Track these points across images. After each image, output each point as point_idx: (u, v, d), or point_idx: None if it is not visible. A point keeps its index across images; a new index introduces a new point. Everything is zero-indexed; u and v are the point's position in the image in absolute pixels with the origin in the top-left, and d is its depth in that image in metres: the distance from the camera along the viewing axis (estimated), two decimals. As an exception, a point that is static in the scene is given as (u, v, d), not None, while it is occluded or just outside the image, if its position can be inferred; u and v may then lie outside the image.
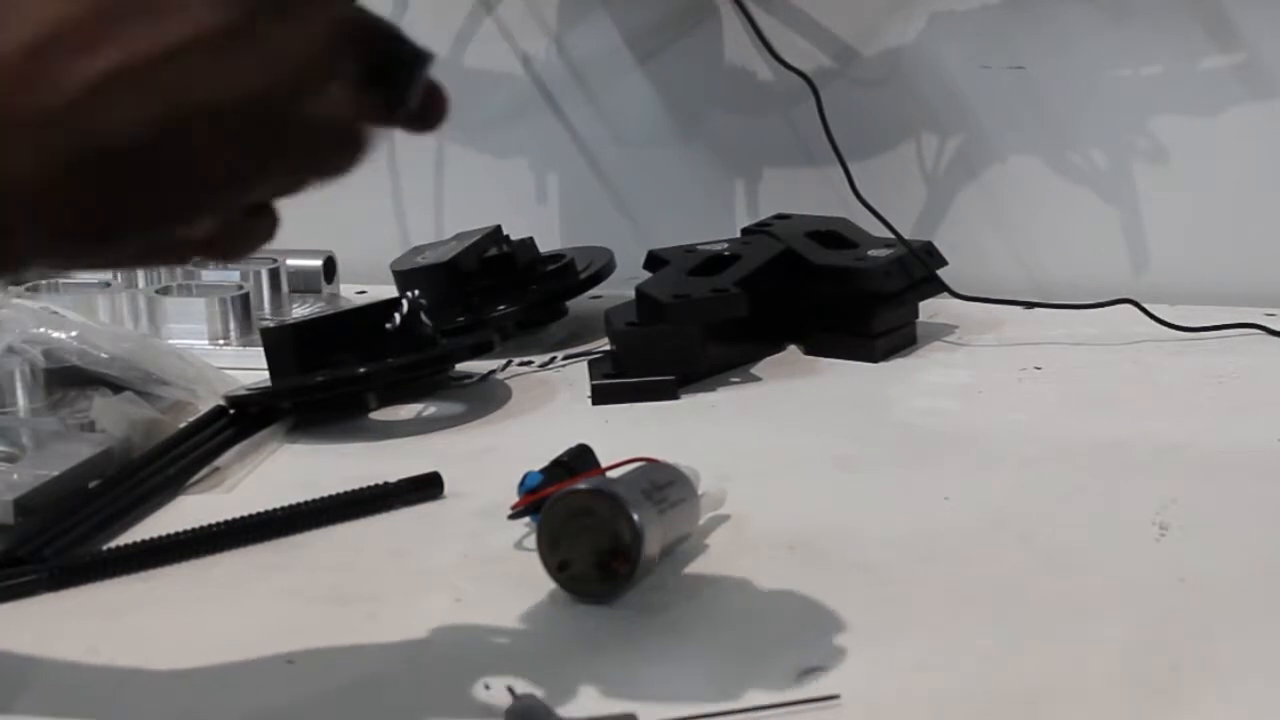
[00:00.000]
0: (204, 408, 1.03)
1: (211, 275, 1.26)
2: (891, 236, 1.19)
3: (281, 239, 1.45)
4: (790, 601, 0.78)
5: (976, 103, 1.33)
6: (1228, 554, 0.81)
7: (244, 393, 1.04)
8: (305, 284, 1.30)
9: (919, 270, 1.17)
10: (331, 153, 0.55)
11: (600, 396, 1.08)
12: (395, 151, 1.41)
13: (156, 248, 0.57)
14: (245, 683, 0.72)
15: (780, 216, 1.27)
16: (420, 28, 0.65)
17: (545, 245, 1.25)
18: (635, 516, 0.75)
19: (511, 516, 0.85)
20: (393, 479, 0.91)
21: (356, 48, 0.55)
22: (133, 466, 0.95)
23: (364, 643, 0.75)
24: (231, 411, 1.02)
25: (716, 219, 1.37)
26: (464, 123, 1.41)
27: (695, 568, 0.81)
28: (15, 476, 0.90)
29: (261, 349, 1.07)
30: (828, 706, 0.66)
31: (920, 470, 0.94)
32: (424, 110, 0.59)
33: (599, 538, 0.76)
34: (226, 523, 0.86)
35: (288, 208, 1.34)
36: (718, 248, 1.19)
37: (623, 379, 1.09)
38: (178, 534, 0.85)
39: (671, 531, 0.80)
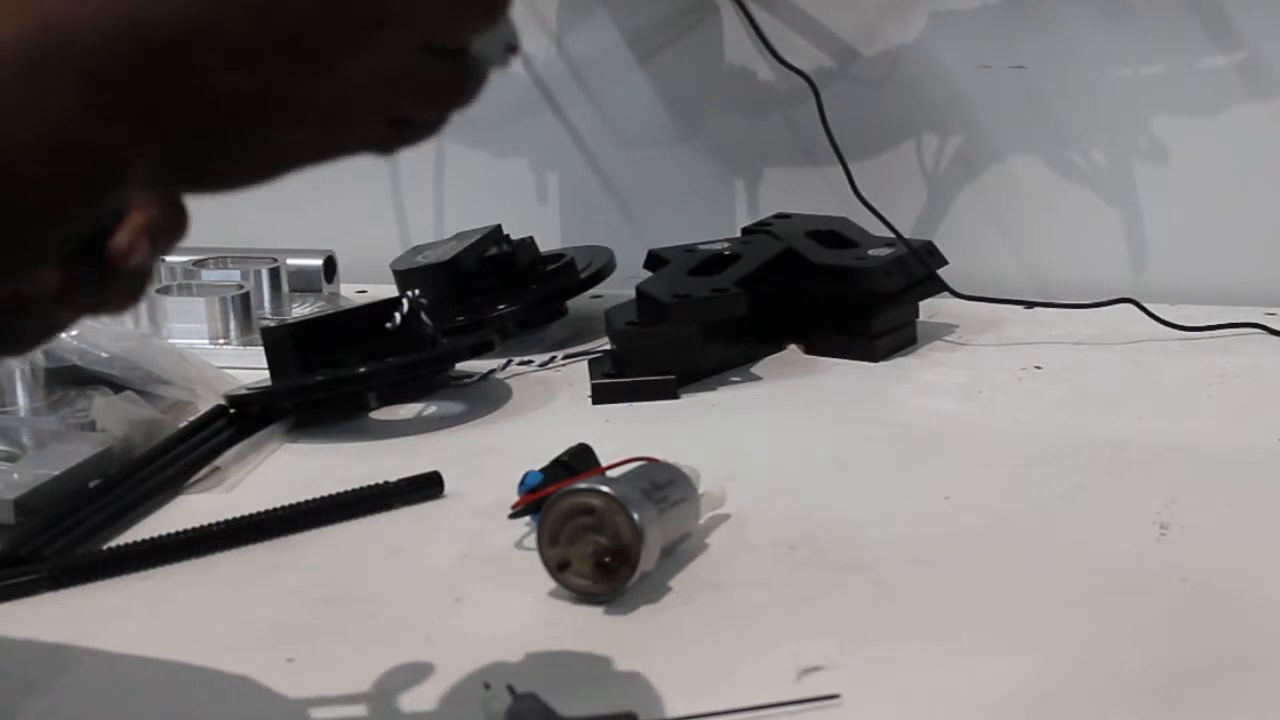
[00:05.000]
0: (204, 407, 1.03)
1: (212, 275, 1.26)
2: (892, 236, 1.19)
3: (282, 239, 1.45)
4: (790, 601, 0.78)
5: (976, 103, 1.33)
6: (1228, 554, 0.81)
7: (244, 392, 1.04)
8: (305, 284, 1.30)
9: (919, 270, 1.17)
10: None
11: (600, 396, 1.08)
12: (395, 151, 1.41)
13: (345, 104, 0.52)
14: (245, 683, 0.72)
15: (780, 216, 1.27)
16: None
17: (545, 245, 1.25)
18: (635, 516, 0.75)
19: (511, 516, 0.85)
20: (393, 479, 0.91)
21: None
22: (133, 466, 0.95)
23: (364, 643, 0.75)
24: (231, 411, 1.02)
25: (716, 219, 1.37)
26: (464, 122, 1.40)
27: (695, 568, 0.81)
28: (15, 476, 0.90)
29: (261, 349, 1.07)
30: (828, 706, 0.66)
31: (920, 470, 0.94)
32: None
33: (599, 537, 0.76)
34: (226, 522, 0.86)
35: (288, 207, 1.34)
36: (718, 247, 1.19)
37: (623, 379, 1.09)
38: (178, 534, 0.85)
39: (671, 531, 0.80)
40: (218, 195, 0.52)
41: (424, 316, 1.09)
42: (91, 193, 0.49)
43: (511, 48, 0.57)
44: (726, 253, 1.17)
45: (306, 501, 0.89)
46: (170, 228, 0.55)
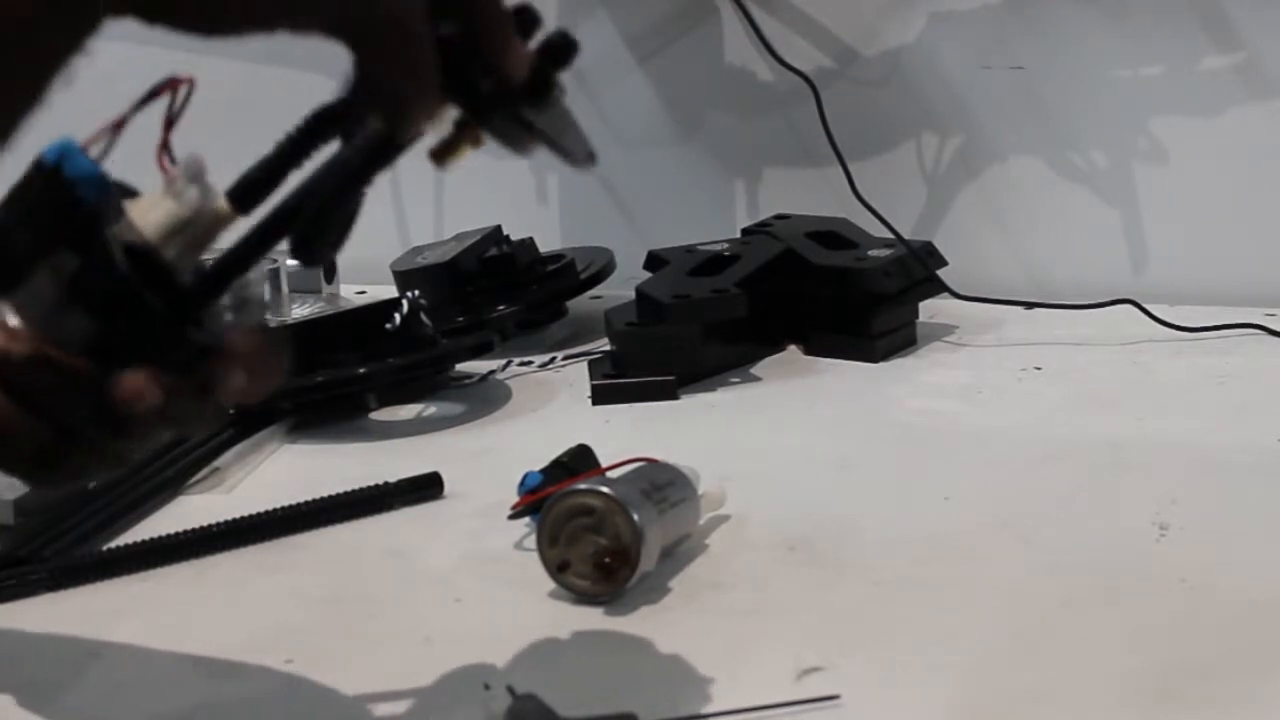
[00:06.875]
0: (204, 408, 1.03)
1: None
2: (891, 236, 1.19)
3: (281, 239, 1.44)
4: (790, 602, 0.78)
5: (976, 103, 1.33)
6: (1228, 554, 0.81)
7: (244, 393, 1.04)
8: (305, 284, 1.30)
9: (919, 270, 1.17)
10: None
11: (600, 396, 1.08)
12: (395, 152, 1.41)
13: None
14: (245, 683, 0.72)
15: (780, 216, 1.27)
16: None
17: (545, 245, 1.25)
18: (635, 516, 0.75)
19: (511, 516, 0.85)
20: (393, 479, 0.91)
21: None
22: (133, 466, 0.95)
23: (364, 643, 0.75)
24: (231, 412, 1.02)
25: (716, 219, 1.37)
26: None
27: (695, 568, 0.81)
28: (15, 477, 0.90)
29: (261, 349, 1.07)
30: (828, 706, 0.66)
31: (920, 470, 0.94)
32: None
33: (599, 537, 0.76)
34: (226, 523, 0.86)
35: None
36: (718, 248, 1.19)
37: (623, 379, 1.09)
38: (178, 534, 0.85)
39: (671, 531, 0.80)
40: (193, 34, 0.51)
41: (424, 317, 1.09)
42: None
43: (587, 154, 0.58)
44: (726, 253, 1.17)
45: (306, 502, 0.89)
46: (267, 370, 0.55)
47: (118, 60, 0.66)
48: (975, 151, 1.34)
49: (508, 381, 1.13)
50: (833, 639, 0.72)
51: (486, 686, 0.68)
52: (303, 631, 0.76)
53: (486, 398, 1.10)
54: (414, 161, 1.55)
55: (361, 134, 0.55)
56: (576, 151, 0.58)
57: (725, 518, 0.86)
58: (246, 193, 0.54)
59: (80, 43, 0.50)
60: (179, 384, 0.54)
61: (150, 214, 0.53)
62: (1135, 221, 1.31)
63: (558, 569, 0.77)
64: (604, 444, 0.90)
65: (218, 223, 0.54)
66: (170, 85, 0.55)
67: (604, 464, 0.87)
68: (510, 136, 0.57)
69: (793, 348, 1.17)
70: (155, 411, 0.53)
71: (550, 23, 0.60)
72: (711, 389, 1.10)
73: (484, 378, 1.13)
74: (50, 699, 0.71)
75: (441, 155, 0.57)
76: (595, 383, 1.09)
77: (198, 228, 0.54)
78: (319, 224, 0.55)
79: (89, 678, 0.73)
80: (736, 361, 1.14)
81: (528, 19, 0.56)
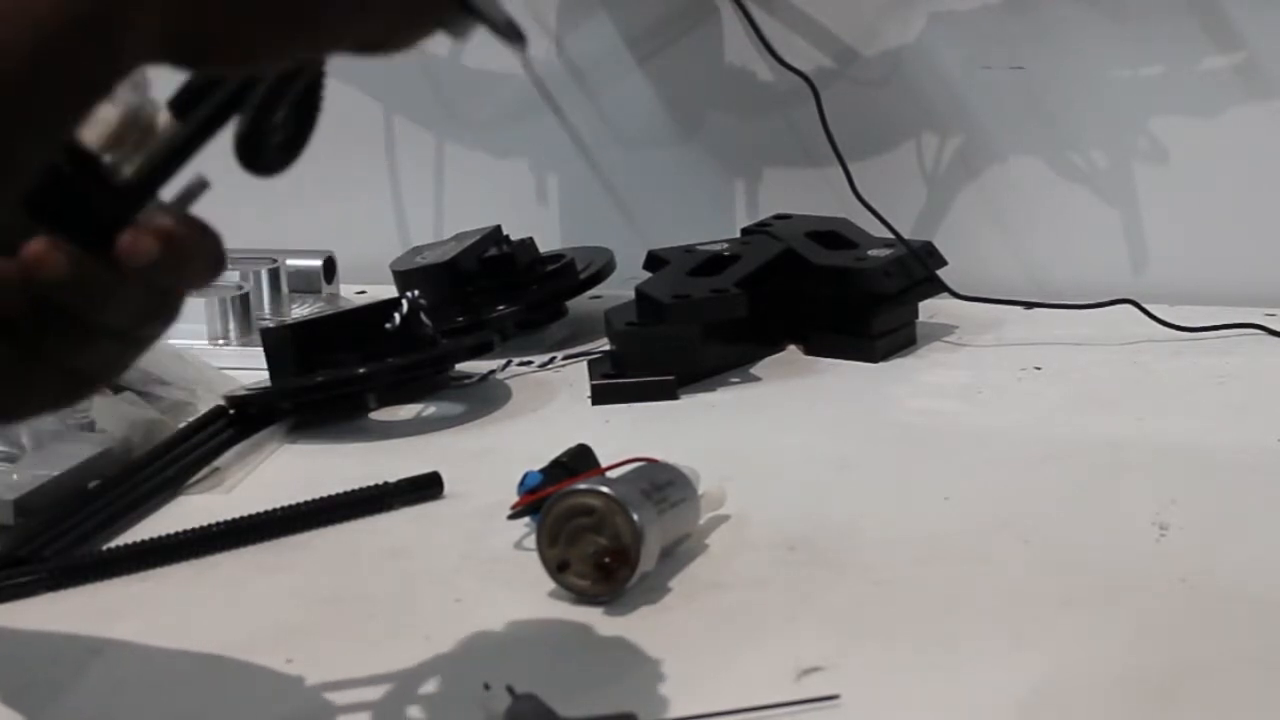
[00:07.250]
0: (204, 408, 1.03)
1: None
2: (891, 236, 1.19)
3: (281, 239, 1.45)
4: (790, 602, 0.78)
5: (976, 103, 1.33)
6: (1228, 554, 0.81)
7: (244, 393, 1.04)
8: (305, 284, 1.30)
9: (919, 270, 1.17)
10: None
11: (600, 396, 1.08)
12: (395, 151, 1.42)
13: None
14: (245, 683, 0.72)
15: (780, 216, 1.27)
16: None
17: (545, 245, 1.25)
18: (635, 516, 0.75)
19: (511, 516, 0.85)
20: (392, 479, 0.91)
21: None
22: (133, 466, 0.95)
23: (364, 643, 0.75)
24: (231, 412, 1.02)
25: (716, 219, 1.37)
26: (464, 123, 1.41)
27: (695, 568, 0.81)
28: (15, 476, 0.90)
29: (261, 349, 1.07)
30: (828, 706, 0.66)
31: (920, 470, 0.94)
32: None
33: (599, 537, 0.76)
34: (226, 523, 0.86)
35: (288, 207, 1.34)
36: (718, 248, 1.19)
37: (623, 379, 1.09)
38: (178, 534, 0.85)
39: (671, 531, 0.80)
40: (226, 71, 0.50)
41: (423, 317, 1.09)
42: (90, 49, 0.47)
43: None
44: (726, 253, 1.17)
45: (306, 502, 0.89)
46: (194, 247, 0.53)
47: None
48: (975, 151, 1.34)
49: (508, 381, 1.13)
50: (833, 639, 0.72)
51: (486, 686, 0.68)
52: (303, 631, 0.76)
53: (486, 398, 1.10)
54: (414, 161, 1.55)
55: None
56: (509, 30, 0.57)
57: (725, 518, 0.86)
58: (189, 101, 0.54)
59: (104, 92, 0.49)
60: (90, 254, 0.52)
61: (92, 127, 0.53)
62: (1135, 221, 1.31)
63: (558, 569, 0.77)
64: (604, 444, 0.90)
65: (157, 130, 0.54)
66: None
67: (604, 464, 0.87)
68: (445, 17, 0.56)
69: (793, 348, 1.17)
70: (65, 283, 0.52)
71: (550, 23, 0.60)
72: (711, 389, 1.10)
73: (484, 378, 1.13)
74: (50, 699, 0.71)
75: None
76: (595, 383, 1.09)
77: (136, 134, 0.53)
78: (262, 116, 0.54)
79: (89, 677, 0.73)
80: (736, 361, 1.14)
81: None
